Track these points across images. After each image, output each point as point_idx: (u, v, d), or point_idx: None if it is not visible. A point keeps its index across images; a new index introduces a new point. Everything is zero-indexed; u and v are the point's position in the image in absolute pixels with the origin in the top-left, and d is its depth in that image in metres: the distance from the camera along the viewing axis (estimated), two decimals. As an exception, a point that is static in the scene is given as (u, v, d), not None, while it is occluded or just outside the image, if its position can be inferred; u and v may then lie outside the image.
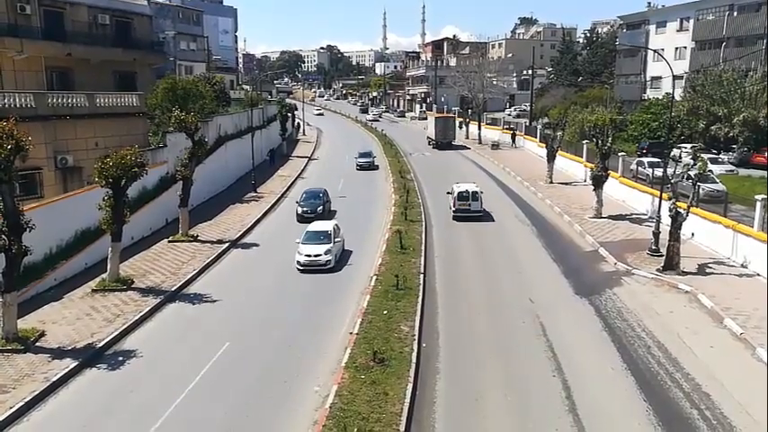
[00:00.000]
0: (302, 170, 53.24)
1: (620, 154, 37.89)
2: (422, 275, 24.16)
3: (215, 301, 22.54)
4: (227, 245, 29.34)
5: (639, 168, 36.54)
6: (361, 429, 13.53)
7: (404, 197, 36.88)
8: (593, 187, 33.14)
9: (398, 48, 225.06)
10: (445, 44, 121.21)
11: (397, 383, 15.63)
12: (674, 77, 31.09)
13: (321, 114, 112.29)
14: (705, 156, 28.94)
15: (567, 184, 42.55)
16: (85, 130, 30.01)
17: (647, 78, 67.15)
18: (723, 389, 15.57)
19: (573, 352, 17.87)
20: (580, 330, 19.55)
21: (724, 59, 53.29)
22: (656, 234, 26.17)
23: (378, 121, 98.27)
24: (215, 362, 17.50)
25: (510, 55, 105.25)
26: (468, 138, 71.18)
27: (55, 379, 16.32)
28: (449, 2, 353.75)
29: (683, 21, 62.48)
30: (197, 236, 30.14)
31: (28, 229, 18.16)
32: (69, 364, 17.14)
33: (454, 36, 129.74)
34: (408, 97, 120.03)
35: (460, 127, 76.15)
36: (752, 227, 23.90)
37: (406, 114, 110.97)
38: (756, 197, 23.90)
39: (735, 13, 56.72)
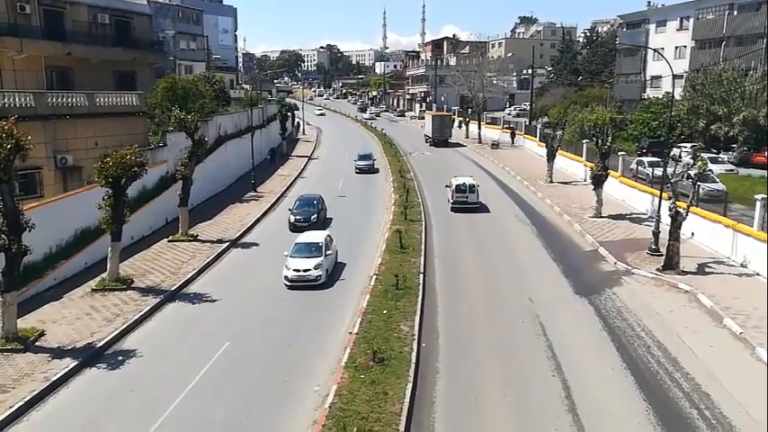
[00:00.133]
0: (302, 169, 53.24)
1: (619, 153, 37.89)
2: (421, 275, 24.15)
3: (215, 300, 22.54)
4: (226, 244, 29.34)
5: (639, 168, 36.53)
6: (361, 429, 13.52)
7: (403, 196, 36.89)
8: (592, 187, 33.14)
9: (398, 47, 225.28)
10: (445, 43, 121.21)
11: (397, 383, 15.62)
12: (674, 77, 31.08)
13: (323, 114, 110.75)
14: (705, 155, 28.90)
15: (566, 183, 42.56)
16: (85, 129, 30.00)
17: (647, 77, 67.14)
18: (722, 388, 15.57)
19: (573, 351, 17.88)
20: (580, 330, 19.55)
21: (724, 58, 53.26)
22: (656, 233, 26.17)
23: (374, 119, 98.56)
24: (215, 361, 17.50)
25: (510, 54, 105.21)
26: (467, 137, 71.22)
27: (55, 378, 16.32)
28: (449, 1, 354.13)
29: (683, 20, 62.46)
30: (197, 235, 30.14)
31: (28, 229, 18.16)
32: (69, 363, 17.15)
33: (454, 35, 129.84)
34: (408, 97, 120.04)
35: (460, 126, 76.27)
36: (752, 226, 23.90)
37: (406, 114, 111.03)
38: (756, 197, 23.90)
39: (735, 12, 56.70)
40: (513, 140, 63.71)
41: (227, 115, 48.15)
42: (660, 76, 61.40)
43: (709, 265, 24.55)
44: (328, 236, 25.91)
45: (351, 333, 18.78)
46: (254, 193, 41.54)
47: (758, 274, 23.11)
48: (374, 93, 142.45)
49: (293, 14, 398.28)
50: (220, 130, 44.66)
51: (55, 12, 36.24)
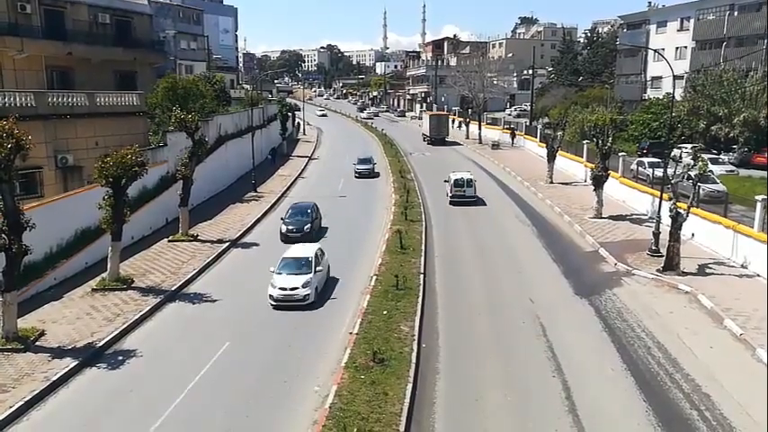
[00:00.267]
0: (302, 170, 53.23)
1: (620, 154, 37.88)
2: (422, 275, 24.14)
3: (215, 300, 22.54)
4: (227, 244, 29.33)
5: (640, 168, 36.50)
6: (361, 429, 13.52)
7: (404, 197, 36.88)
8: (593, 187, 33.13)
9: (399, 47, 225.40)
10: (445, 44, 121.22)
11: (397, 383, 15.62)
12: (675, 77, 31.08)
13: (325, 115, 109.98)
14: (705, 156, 28.90)
15: (567, 184, 42.55)
16: (86, 129, 30.01)
17: (648, 78, 67.10)
18: (723, 389, 15.56)
19: (573, 352, 17.87)
20: (580, 331, 19.54)
21: (724, 59, 53.26)
22: (657, 234, 26.16)
23: (372, 119, 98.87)
24: (215, 361, 17.50)
25: (510, 55, 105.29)
26: (468, 137, 71.26)
27: (55, 378, 16.32)
28: (449, 1, 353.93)
29: (683, 20, 62.44)
30: (197, 235, 30.13)
31: (28, 229, 18.16)
32: (69, 363, 17.14)
33: (454, 36, 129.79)
34: (409, 97, 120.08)
35: (460, 126, 76.31)
36: (752, 227, 23.88)
37: (407, 114, 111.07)
38: (757, 197, 23.89)
39: (735, 13, 56.71)
40: (512, 141, 63.74)
41: (228, 115, 48.16)
42: (661, 77, 61.35)
43: (710, 266, 24.54)
44: (319, 249, 23.83)
45: (351, 333, 18.77)
46: (255, 194, 41.54)
47: (758, 275, 23.09)
48: (375, 93, 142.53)
49: (294, 14, 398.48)
50: (221, 130, 44.67)
51: (56, 11, 36.27)
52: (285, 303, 21.26)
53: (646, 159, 37.80)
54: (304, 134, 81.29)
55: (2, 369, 16.83)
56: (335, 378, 16.01)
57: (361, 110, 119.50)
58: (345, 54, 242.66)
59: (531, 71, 76.18)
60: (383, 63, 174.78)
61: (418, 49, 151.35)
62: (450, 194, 37.74)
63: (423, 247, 27.78)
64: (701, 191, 24.67)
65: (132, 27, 41.44)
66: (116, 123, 31.71)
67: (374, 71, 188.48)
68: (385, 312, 20.11)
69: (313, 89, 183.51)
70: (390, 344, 17.78)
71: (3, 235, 17.72)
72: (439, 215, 35.22)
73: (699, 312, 20.60)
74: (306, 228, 29.74)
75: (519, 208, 36.79)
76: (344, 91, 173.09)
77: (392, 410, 14.43)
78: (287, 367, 17.21)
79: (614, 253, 26.72)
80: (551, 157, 42.97)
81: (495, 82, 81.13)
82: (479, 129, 69.43)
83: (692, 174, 24.00)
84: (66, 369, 16.81)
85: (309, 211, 31.25)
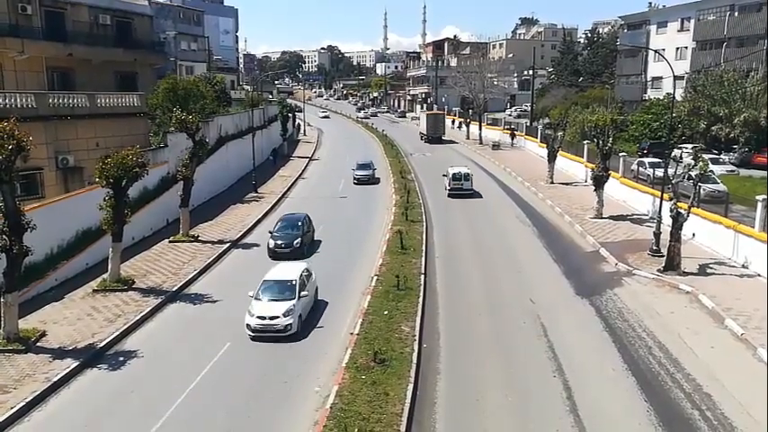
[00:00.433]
0: (303, 170, 53.23)
1: (620, 154, 37.86)
2: (422, 276, 24.14)
3: (216, 301, 22.54)
4: (227, 245, 29.33)
5: (640, 169, 36.49)
6: (362, 430, 13.53)
7: (404, 197, 36.87)
8: (593, 187, 33.12)
9: (399, 48, 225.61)
10: (446, 44, 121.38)
11: (398, 384, 15.62)
12: (675, 78, 31.07)
13: (327, 117, 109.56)
14: (706, 156, 28.89)
15: (567, 184, 42.54)
16: (86, 130, 30.02)
17: (648, 79, 67.07)
18: (724, 389, 15.56)
19: (574, 352, 17.86)
20: (581, 331, 19.54)
21: (725, 60, 53.27)
22: (657, 234, 26.15)
23: (369, 118, 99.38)
24: (216, 362, 17.50)
25: (511, 55, 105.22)
26: (468, 138, 71.29)
27: (56, 379, 16.32)
28: (449, 2, 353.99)
29: (683, 21, 62.43)
30: (198, 236, 30.15)
31: (29, 230, 18.17)
32: (70, 364, 17.15)
33: (455, 36, 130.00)
34: (409, 98, 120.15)
35: (460, 127, 76.33)
36: (753, 227, 23.88)
37: (407, 115, 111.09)
38: (757, 197, 23.88)
39: (736, 13, 56.66)
40: (512, 141, 63.74)
41: (228, 116, 48.20)
42: (661, 77, 61.32)
43: (711, 266, 24.53)
44: (306, 270, 21.20)
45: (352, 334, 18.76)
46: (255, 194, 41.54)
47: (759, 275, 23.08)
48: (375, 94, 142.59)
49: (294, 15, 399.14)
50: (221, 131, 44.68)
51: (56, 13, 36.28)
52: (264, 334, 18.73)
53: (646, 159, 37.78)
54: (304, 135, 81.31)
55: (3, 370, 16.84)
56: (336, 378, 16.01)
57: (360, 110, 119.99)
58: (346, 55, 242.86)
59: (531, 72, 76.22)
60: (383, 64, 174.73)
61: (419, 50, 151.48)
62: (448, 188, 39.73)
63: (423, 248, 27.77)
64: (701, 191, 24.67)
65: (133, 28, 41.47)
66: (117, 124, 31.72)
67: (375, 72, 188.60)
68: (386, 313, 20.11)
69: (313, 90, 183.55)
70: (391, 344, 17.78)
71: (4, 236, 17.73)
72: (440, 216, 35.20)
73: (700, 312, 20.59)
74: (296, 242, 27.03)
75: (519, 208, 36.78)
76: (345, 92, 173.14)
77: (393, 411, 14.43)
78: (287, 367, 17.20)
79: (615, 253, 26.71)
80: (552, 158, 42.97)
81: (495, 82, 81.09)
82: (480, 129, 69.44)
83: (693, 174, 23.98)
84: (68, 370, 16.82)
85: (300, 223, 28.25)
